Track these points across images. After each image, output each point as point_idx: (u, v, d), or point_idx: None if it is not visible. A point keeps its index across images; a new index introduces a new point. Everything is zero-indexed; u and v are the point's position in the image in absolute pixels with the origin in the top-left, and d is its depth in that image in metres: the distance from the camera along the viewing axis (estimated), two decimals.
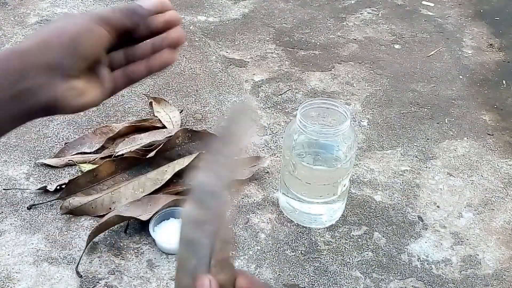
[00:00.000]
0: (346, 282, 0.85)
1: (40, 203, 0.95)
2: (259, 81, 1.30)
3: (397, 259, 0.89)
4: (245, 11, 1.59)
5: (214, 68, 1.33)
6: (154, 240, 0.88)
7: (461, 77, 1.35)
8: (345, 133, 0.85)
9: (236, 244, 0.89)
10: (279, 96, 1.25)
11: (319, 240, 0.91)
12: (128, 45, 0.48)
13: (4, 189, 0.97)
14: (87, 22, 0.43)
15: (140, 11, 0.46)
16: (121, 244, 0.89)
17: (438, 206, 0.99)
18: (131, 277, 0.84)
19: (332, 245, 0.91)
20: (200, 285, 0.38)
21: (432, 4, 1.68)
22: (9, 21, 1.47)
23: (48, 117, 1.14)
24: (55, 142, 1.08)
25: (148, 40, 0.48)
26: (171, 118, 1.12)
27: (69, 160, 1.03)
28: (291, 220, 0.95)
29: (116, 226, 0.91)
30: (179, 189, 0.96)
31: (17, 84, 0.40)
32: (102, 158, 1.02)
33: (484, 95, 1.29)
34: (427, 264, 0.89)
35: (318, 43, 1.46)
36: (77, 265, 0.84)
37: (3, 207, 0.94)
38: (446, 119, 1.20)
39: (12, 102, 0.41)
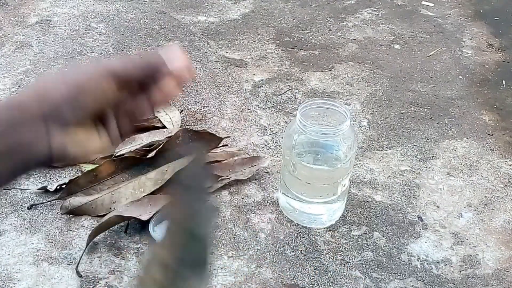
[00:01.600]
0: (346, 282, 0.85)
1: (40, 203, 0.95)
2: (259, 81, 1.30)
3: (397, 259, 0.89)
4: (245, 11, 1.59)
5: (214, 68, 1.33)
6: (154, 240, 0.88)
7: (461, 77, 1.36)
8: (345, 133, 0.85)
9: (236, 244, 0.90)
10: (279, 96, 1.25)
11: (319, 240, 0.92)
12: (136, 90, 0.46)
13: (4, 189, 0.97)
14: (95, 75, 0.41)
15: (160, 69, 0.43)
16: (121, 244, 0.89)
17: (438, 206, 0.99)
18: (131, 277, 0.84)
19: (332, 245, 0.91)
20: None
21: (432, 4, 1.68)
22: (9, 21, 1.47)
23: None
24: None
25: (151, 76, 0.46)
26: (171, 118, 1.13)
27: None
28: (291, 220, 0.95)
29: (116, 226, 0.91)
30: None
31: (12, 136, 0.39)
32: (102, 158, 1.02)
33: (484, 95, 1.29)
34: (427, 264, 0.89)
35: (318, 43, 1.46)
36: (77, 265, 0.85)
37: (3, 207, 0.94)
38: (446, 119, 1.21)
39: (6, 155, 0.39)
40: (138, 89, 0.45)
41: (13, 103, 0.40)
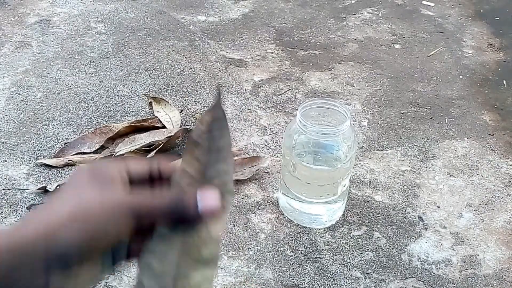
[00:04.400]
0: (346, 282, 0.85)
1: (40, 203, 0.95)
2: (259, 81, 1.30)
3: (397, 259, 0.89)
4: (245, 11, 1.59)
5: (214, 68, 1.33)
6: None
7: (461, 77, 1.35)
8: (345, 133, 0.85)
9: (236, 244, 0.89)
10: (279, 96, 1.25)
11: (319, 240, 0.91)
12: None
13: (4, 189, 0.97)
14: (115, 210, 0.35)
15: (191, 214, 0.36)
16: None
17: (438, 206, 0.99)
18: (131, 277, 0.84)
19: (332, 245, 0.91)
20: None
21: (432, 4, 1.68)
22: (9, 21, 1.47)
23: (48, 117, 1.14)
24: (55, 142, 1.08)
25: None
26: (171, 118, 1.12)
27: (69, 160, 1.02)
28: (291, 220, 0.94)
29: None
30: None
31: (8, 283, 0.33)
32: (102, 158, 1.02)
33: (485, 95, 1.29)
34: (427, 264, 0.89)
35: (318, 43, 1.46)
36: None
37: (3, 207, 0.94)
38: (446, 119, 1.20)
39: None
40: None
41: (16, 244, 0.33)
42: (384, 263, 0.88)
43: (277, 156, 1.07)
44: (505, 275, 0.87)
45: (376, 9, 1.64)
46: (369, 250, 0.90)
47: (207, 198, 0.37)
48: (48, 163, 1.02)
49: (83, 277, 0.35)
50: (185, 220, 0.37)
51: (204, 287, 0.36)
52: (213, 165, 0.38)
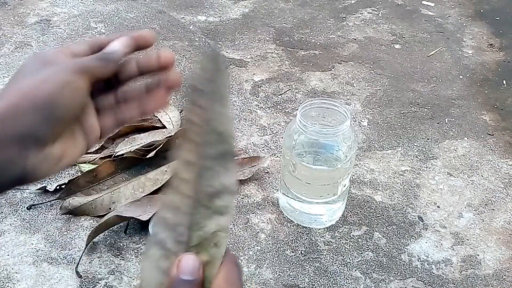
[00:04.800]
0: (346, 282, 0.85)
1: (40, 203, 0.95)
2: (259, 81, 1.30)
3: (397, 259, 0.89)
4: (245, 11, 1.59)
5: None
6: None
7: (461, 77, 1.35)
8: (345, 133, 0.85)
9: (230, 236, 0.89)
10: (279, 96, 1.25)
11: (319, 240, 0.91)
12: (117, 85, 0.44)
13: None
14: (63, 75, 0.38)
15: (112, 56, 0.41)
16: (121, 244, 0.89)
17: (438, 206, 0.99)
18: (131, 277, 0.84)
19: (332, 245, 0.91)
20: (183, 263, 0.33)
21: (432, 4, 1.68)
22: (9, 21, 1.47)
23: None
24: None
25: (141, 82, 0.44)
26: (171, 118, 1.12)
27: None
28: (291, 220, 0.94)
29: (116, 226, 0.91)
30: None
31: None
32: (102, 158, 1.02)
33: (485, 95, 1.29)
34: (427, 264, 0.89)
35: (318, 43, 1.46)
36: (77, 265, 0.84)
37: (3, 207, 0.94)
38: (446, 119, 1.20)
39: None
40: (118, 83, 0.43)
41: None
42: (384, 263, 0.88)
43: (277, 156, 1.07)
44: (505, 275, 0.87)
45: (376, 9, 1.64)
46: (369, 250, 0.90)
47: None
48: None
49: (58, 149, 0.38)
50: (111, 62, 0.41)
51: (220, 235, 0.36)
52: (218, 114, 0.38)
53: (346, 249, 0.90)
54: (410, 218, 0.96)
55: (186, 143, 0.37)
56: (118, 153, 1.02)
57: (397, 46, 1.47)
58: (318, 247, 0.90)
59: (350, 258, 0.89)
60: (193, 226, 0.36)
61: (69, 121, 0.39)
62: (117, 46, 0.42)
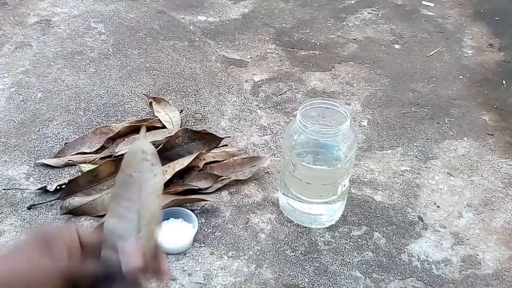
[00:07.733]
0: (346, 282, 0.85)
1: (40, 203, 0.95)
2: (259, 81, 1.30)
3: (397, 259, 0.89)
4: (245, 11, 1.59)
5: (214, 68, 1.33)
6: None
7: (461, 77, 1.35)
8: (345, 133, 0.85)
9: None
10: (279, 96, 1.25)
11: (319, 240, 0.91)
12: None
13: (4, 189, 0.97)
14: (50, 277, 0.38)
15: (119, 274, 0.40)
16: None
17: (438, 206, 0.99)
18: None
19: (332, 245, 0.91)
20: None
21: (432, 4, 1.68)
22: (9, 21, 1.47)
23: (48, 117, 1.14)
24: (55, 142, 1.08)
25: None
26: (171, 118, 1.12)
27: (69, 160, 1.03)
28: (291, 220, 0.94)
29: None
30: (179, 189, 0.96)
31: None
32: (102, 158, 1.02)
33: (484, 95, 1.29)
34: (427, 264, 0.89)
35: (318, 43, 1.46)
36: None
37: (3, 207, 0.94)
38: (446, 119, 1.20)
39: None
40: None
41: None
42: (384, 263, 0.88)
43: (277, 156, 1.07)
44: (505, 275, 0.87)
45: (376, 9, 1.64)
46: (369, 250, 0.90)
47: (130, 258, 0.41)
48: (48, 163, 1.02)
49: None
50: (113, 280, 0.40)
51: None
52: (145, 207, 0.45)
53: (346, 249, 0.90)
54: (410, 218, 0.96)
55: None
56: (118, 153, 1.02)
57: (397, 46, 1.47)
58: (318, 247, 0.90)
59: (350, 258, 0.89)
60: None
61: None
62: (127, 263, 0.41)
